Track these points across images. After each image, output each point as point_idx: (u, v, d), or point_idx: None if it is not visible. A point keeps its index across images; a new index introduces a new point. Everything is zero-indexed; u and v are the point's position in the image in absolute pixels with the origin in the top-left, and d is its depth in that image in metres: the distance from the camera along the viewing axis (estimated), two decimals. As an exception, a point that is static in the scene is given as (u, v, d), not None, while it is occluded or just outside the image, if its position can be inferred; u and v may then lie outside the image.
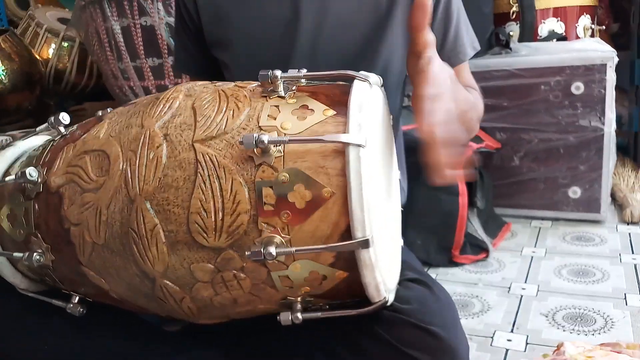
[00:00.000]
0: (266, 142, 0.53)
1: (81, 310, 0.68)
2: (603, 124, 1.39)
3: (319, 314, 0.60)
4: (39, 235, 0.64)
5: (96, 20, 1.60)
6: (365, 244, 0.53)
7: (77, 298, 0.69)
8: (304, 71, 0.61)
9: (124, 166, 0.59)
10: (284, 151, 0.55)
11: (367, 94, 0.58)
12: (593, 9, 1.88)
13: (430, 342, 0.60)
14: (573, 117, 1.43)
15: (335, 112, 0.58)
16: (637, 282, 1.10)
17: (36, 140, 0.77)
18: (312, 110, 0.58)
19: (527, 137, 1.51)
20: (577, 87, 1.40)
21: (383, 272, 0.57)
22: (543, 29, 1.78)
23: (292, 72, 0.61)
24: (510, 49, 1.56)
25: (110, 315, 0.72)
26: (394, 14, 0.82)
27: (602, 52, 1.38)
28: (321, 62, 0.83)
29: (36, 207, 0.65)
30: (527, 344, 0.93)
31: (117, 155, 0.60)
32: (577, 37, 1.83)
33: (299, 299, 0.60)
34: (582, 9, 1.84)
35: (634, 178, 1.64)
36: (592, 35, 1.86)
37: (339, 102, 0.59)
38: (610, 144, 1.41)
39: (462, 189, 1.30)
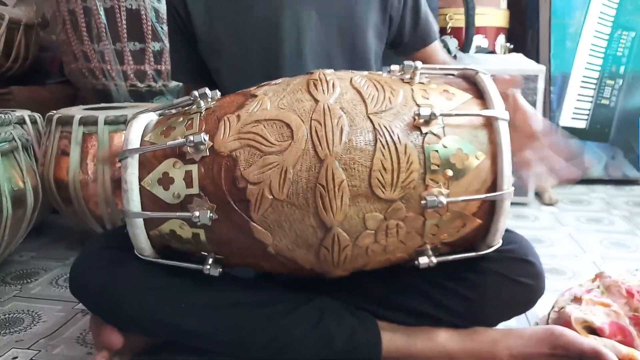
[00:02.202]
0: (437, 114, 0.69)
1: (220, 270, 0.76)
2: (533, 124, 1.72)
3: (449, 257, 0.76)
4: (203, 195, 0.72)
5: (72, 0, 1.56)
6: (510, 195, 0.70)
7: (212, 260, 0.76)
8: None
9: (309, 132, 0.69)
10: (444, 123, 0.71)
11: (492, 83, 0.76)
12: (506, 30, 2.26)
13: (530, 270, 0.80)
14: (510, 118, 1.74)
15: (472, 96, 0.75)
16: (577, 244, 1.41)
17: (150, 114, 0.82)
18: (453, 94, 0.74)
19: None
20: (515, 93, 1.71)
21: (505, 220, 0.75)
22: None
23: (425, 65, 0.76)
24: (455, 57, 1.84)
25: (228, 277, 0.79)
26: (368, 18, 0.95)
27: (535, 65, 1.71)
28: (308, 60, 0.94)
29: (202, 169, 0.72)
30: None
31: (298, 124, 0.70)
32: (495, 52, 2.18)
33: (430, 246, 0.75)
34: (499, 30, 2.20)
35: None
36: (505, 52, 2.23)
37: (470, 89, 0.76)
38: (538, 140, 1.74)
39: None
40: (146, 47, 1.59)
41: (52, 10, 1.64)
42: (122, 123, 1.28)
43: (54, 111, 1.36)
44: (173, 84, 1.67)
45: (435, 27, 1.08)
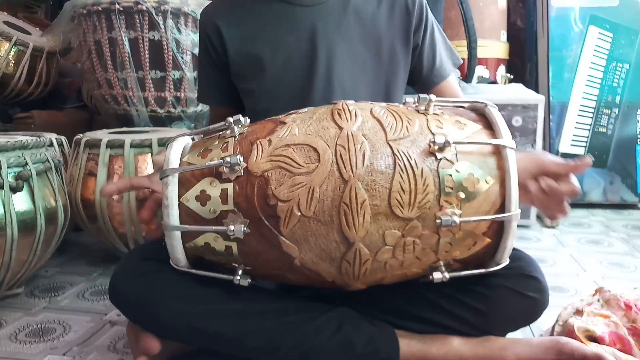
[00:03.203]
0: (451, 142, 0.76)
1: (250, 280, 0.83)
2: (534, 149, 1.80)
3: (461, 273, 0.83)
4: (237, 211, 0.79)
5: (98, 30, 1.65)
6: (517, 216, 0.78)
7: (241, 271, 0.83)
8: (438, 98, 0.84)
9: (334, 156, 0.77)
10: (456, 150, 0.78)
11: (499, 115, 0.84)
12: (506, 61, 2.36)
13: (536, 285, 0.86)
14: (512, 145, 1.82)
15: (481, 126, 0.82)
16: (578, 264, 1.47)
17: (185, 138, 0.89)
18: (464, 124, 0.82)
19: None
20: (517, 121, 1.79)
21: (513, 239, 0.82)
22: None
23: (438, 98, 0.85)
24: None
25: (255, 288, 0.86)
26: (395, 49, 1.04)
27: (535, 95, 1.80)
28: (336, 85, 1.02)
29: (236, 188, 0.79)
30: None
31: (324, 148, 0.77)
32: (497, 82, 2.28)
33: (443, 263, 0.82)
34: (500, 61, 2.31)
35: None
36: (505, 82, 2.33)
37: (479, 120, 0.84)
38: (538, 166, 1.82)
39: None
40: (167, 76, 1.68)
41: (79, 40, 1.73)
42: (147, 146, 1.35)
43: (81, 134, 1.44)
44: (191, 109, 1.76)
45: (454, 56, 1.14)
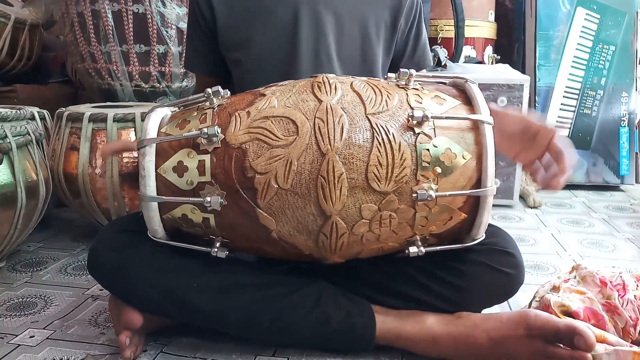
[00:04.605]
0: (429, 116, 0.77)
1: (227, 253, 0.83)
2: (519, 131, 1.81)
3: (437, 247, 0.84)
4: (215, 183, 0.79)
5: (80, 2, 1.63)
6: (492, 191, 0.78)
7: (219, 243, 0.84)
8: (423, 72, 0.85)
9: (312, 129, 0.77)
10: (434, 125, 0.78)
11: (479, 91, 0.84)
12: (494, 41, 2.36)
13: (511, 261, 0.87)
14: (497, 125, 1.83)
15: (460, 102, 0.82)
16: (559, 243, 1.49)
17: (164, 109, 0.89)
18: (444, 99, 0.82)
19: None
20: (502, 101, 1.80)
21: (488, 214, 0.83)
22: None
23: (419, 73, 0.84)
24: (445, 66, 1.93)
25: (234, 261, 0.86)
26: (380, 32, 1.05)
27: (521, 75, 1.80)
28: (323, 58, 1.02)
29: (214, 159, 0.79)
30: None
31: (303, 121, 0.77)
32: (483, 62, 2.28)
33: (419, 237, 0.83)
34: (487, 41, 2.30)
35: (524, 174, 2.10)
36: (492, 62, 2.33)
37: (459, 95, 0.84)
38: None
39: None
40: (151, 50, 1.66)
41: (61, 12, 1.70)
42: (130, 120, 1.34)
43: (63, 108, 1.42)
44: (176, 84, 1.74)
45: (430, 58, 1.17)
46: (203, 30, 1.07)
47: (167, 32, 1.65)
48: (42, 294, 1.13)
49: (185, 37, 1.62)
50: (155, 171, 0.80)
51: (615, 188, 2.10)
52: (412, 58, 1.13)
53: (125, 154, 1.31)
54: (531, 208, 1.87)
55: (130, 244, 0.85)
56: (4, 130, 1.17)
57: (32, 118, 1.42)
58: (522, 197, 1.94)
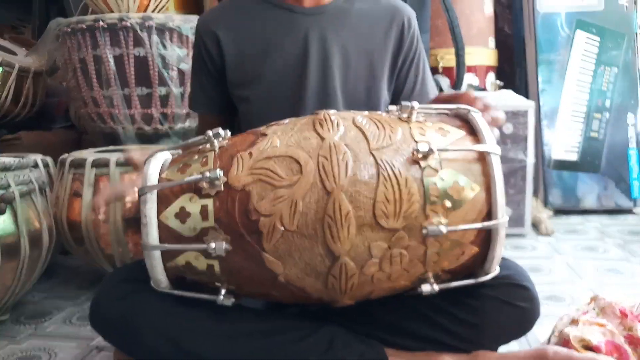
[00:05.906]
0: (435, 149, 0.75)
1: (233, 300, 0.80)
2: (526, 156, 1.79)
3: (450, 284, 0.80)
4: (218, 227, 0.77)
5: (82, 48, 1.64)
6: (504, 224, 0.76)
7: (224, 290, 0.81)
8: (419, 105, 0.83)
9: (316, 167, 0.75)
10: (440, 157, 0.76)
11: (483, 120, 0.82)
12: (495, 68, 2.36)
13: (525, 294, 0.84)
14: (504, 151, 1.80)
15: (465, 133, 0.81)
16: (574, 271, 1.45)
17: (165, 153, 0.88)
18: (448, 131, 0.80)
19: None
20: (507, 128, 1.78)
21: (501, 248, 0.80)
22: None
23: (421, 105, 0.83)
24: (448, 96, 1.92)
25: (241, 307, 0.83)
26: (384, 69, 1.06)
27: (525, 101, 1.79)
28: (330, 93, 1.02)
29: (217, 203, 0.77)
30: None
31: (306, 159, 0.75)
32: (486, 90, 2.27)
33: (431, 274, 0.80)
34: (489, 68, 2.30)
35: (535, 201, 2.07)
36: (496, 89, 2.32)
37: (463, 126, 0.82)
38: (531, 172, 1.81)
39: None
40: (153, 92, 1.66)
41: (64, 58, 1.72)
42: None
43: (66, 154, 1.42)
44: (179, 126, 1.74)
45: (433, 92, 1.15)
46: (209, 69, 1.07)
47: (168, 73, 1.65)
48: (46, 347, 1.10)
49: (186, 78, 1.63)
50: (157, 218, 0.78)
51: (628, 211, 2.06)
52: (412, 92, 1.11)
53: (128, 198, 1.29)
54: (543, 236, 1.83)
55: (135, 294, 0.83)
56: (7, 180, 1.16)
57: (36, 166, 1.41)
58: (534, 225, 1.90)
